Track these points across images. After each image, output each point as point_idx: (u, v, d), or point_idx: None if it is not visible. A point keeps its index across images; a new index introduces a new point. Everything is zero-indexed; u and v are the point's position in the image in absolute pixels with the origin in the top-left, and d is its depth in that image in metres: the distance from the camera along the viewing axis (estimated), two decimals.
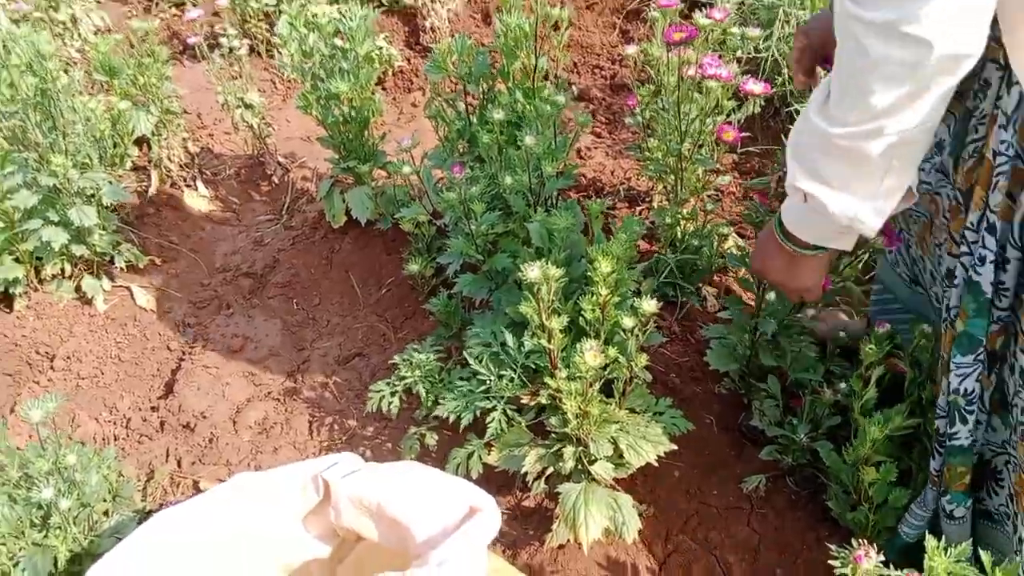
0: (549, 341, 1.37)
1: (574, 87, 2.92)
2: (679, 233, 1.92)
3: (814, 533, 1.52)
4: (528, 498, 1.61)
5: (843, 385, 1.46)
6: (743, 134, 1.85)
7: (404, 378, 1.70)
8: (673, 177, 1.93)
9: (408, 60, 3.15)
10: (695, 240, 1.85)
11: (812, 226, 1.12)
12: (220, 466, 1.87)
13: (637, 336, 1.31)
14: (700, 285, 1.95)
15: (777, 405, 1.55)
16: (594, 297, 1.35)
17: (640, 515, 1.48)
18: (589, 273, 1.33)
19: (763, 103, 2.43)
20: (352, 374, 2.04)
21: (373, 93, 2.18)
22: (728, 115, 1.87)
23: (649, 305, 1.29)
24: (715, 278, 2.00)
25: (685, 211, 1.92)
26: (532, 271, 1.29)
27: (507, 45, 1.87)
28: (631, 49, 1.99)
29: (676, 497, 1.58)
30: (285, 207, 2.57)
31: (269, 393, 2.04)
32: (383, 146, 2.33)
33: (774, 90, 2.41)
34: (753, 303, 1.55)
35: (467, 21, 3.24)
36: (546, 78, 2.99)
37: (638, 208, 2.29)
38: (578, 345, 1.30)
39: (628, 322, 1.31)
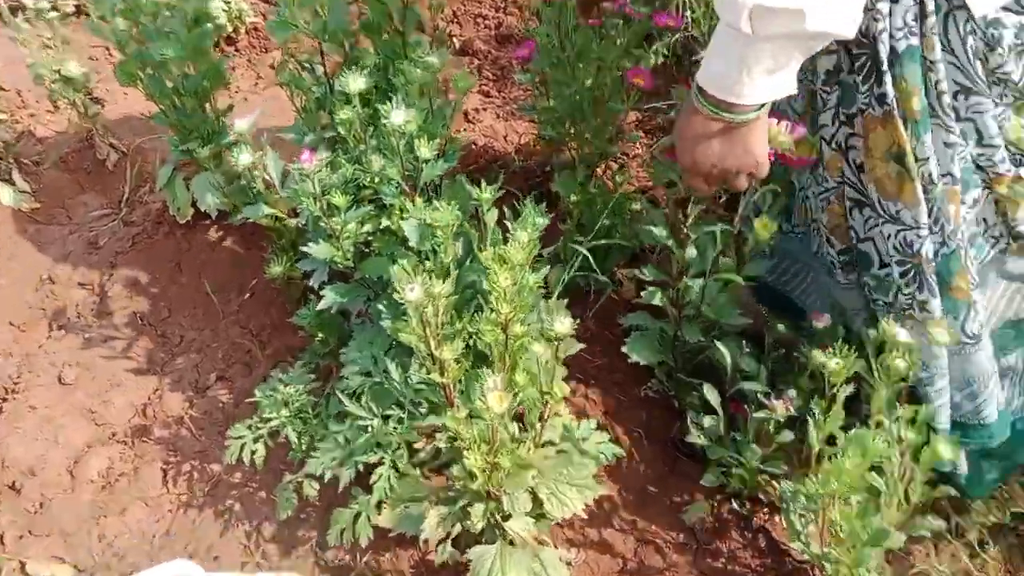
0: (442, 373, 1.08)
1: (455, 40, 2.58)
2: (587, 212, 1.64)
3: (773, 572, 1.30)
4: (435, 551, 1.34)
5: (792, 392, 1.23)
6: None
7: (269, 419, 1.37)
8: (575, 140, 1.64)
9: (264, 15, 2.74)
10: (606, 219, 1.58)
11: (758, 63, 0.93)
12: (54, 537, 1.52)
13: (551, 365, 1.03)
14: (615, 269, 1.69)
15: (716, 420, 1.31)
16: (493, 315, 1.06)
17: (570, 564, 1.22)
18: (485, 285, 1.04)
19: (665, 52, 2.17)
20: (213, 404, 1.70)
21: (216, 57, 1.80)
22: (638, 62, 1.59)
23: (563, 325, 1.01)
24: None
25: (592, 185, 1.65)
26: (412, 291, 0.99)
27: None
28: None
29: (611, 536, 1.33)
30: (124, 199, 2.16)
31: (113, 435, 1.68)
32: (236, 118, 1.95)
33: (684, 28, 2.14)
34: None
35: None
36: (422, 30, 2.66)
37: (536, 179, 1.99)
38: (478, 383, 1.01)
39: (538, 348, 1.03)
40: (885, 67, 1.05)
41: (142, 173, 2.21)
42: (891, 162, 1.10)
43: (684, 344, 1.38)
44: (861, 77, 1.09)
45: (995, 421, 1.25)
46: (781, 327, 1.36)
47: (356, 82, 1.20)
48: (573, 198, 1.56)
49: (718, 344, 1.27)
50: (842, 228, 1.23)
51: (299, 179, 1.19)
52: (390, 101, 1.16)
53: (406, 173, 1.22)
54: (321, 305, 1.33)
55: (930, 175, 1.09)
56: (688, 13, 2.07)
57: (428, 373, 1.07)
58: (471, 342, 1.23)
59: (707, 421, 1.32)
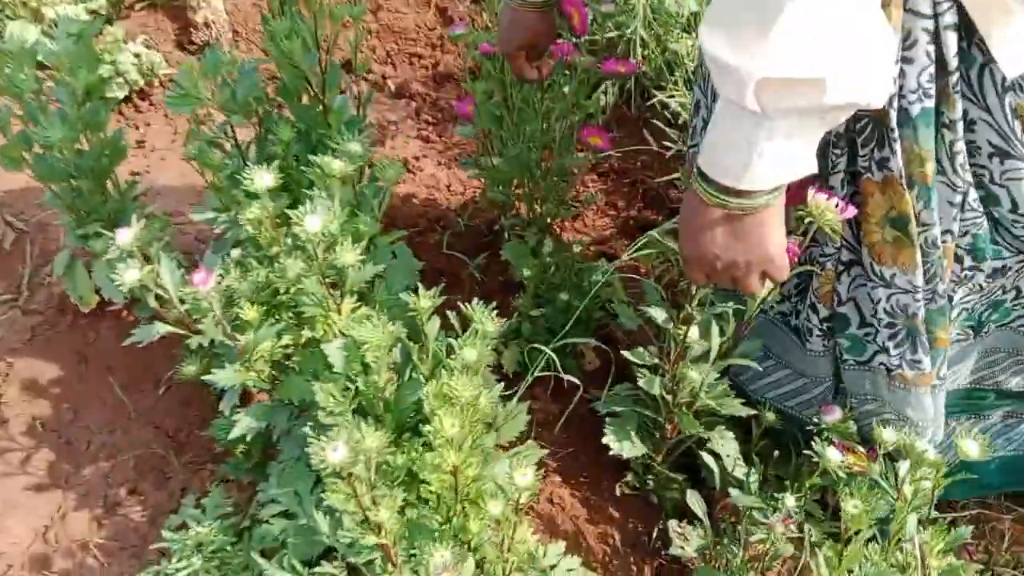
0: (379, 533, 0.89)
1: (389, 82, 2.40)
2: (543, 281, 1.47)
3: None
4: None
5: (790, 502, 1.06)
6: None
7: (179, 570, 1.16)
8: (525, 201, 1.47)
9: (179, 65, 2.52)
10: (563, 293, 1.40)
11: (770, 143, 0.77)
12: None
13: (512, 522, 0.85)
14: (579, 348, 1.51)
15: (703, 530, 1.14)
16: (438, 458, 0.88)
17: None
18: (427, 428, 0.86)
19: (616, 92, 2.01)
20: (124, 525, 1.48)
21: (115, 128, 1.59)
22: (589, 115, 1.43)
23: (524, 480, 0.83)
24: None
25: (546, 250, 1.47)
26: (335, 452, 0.80)
27: (281, 55, 1.34)
28: (459, 30, 1.51)
29: None
30: (24, 282, 1.93)
31: (9, 567, 1.45)
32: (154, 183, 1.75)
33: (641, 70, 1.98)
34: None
35: (250, 11, 2.64)
36: (349, 70, 2.47)
37: (484, 239, 1.81)
38: (426, 550, 0.83)
39: (495, 507, 0.85)
40: (895, 133, 0.93)
41: (45, 252, 1.98)
42: (888, 228, 1.01)
43: (669, 435, 1.21)
44: (861, 139, 0.97)
45: None
46: (771, 416, 1.20)
47: (262, 178, 1.01)
48: (527, 272, 1.38)
49: (703, 455, 1.10)
50: (830, 293, 1.13)
51: (192, 301, 0.99)
52: (303, 201, 0.97)
53: (327, 281, 1.03)
54: (235, 433, 1.13)
55: (933, 240, 0.99)
56: (641, 52, 1.92)
57: (362, 535, 0.88)
58: (415, 467, 1.04)
59: (693, 535, 1.15)
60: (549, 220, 1.43)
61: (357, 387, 1.05)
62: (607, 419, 1.28)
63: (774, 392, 1.31)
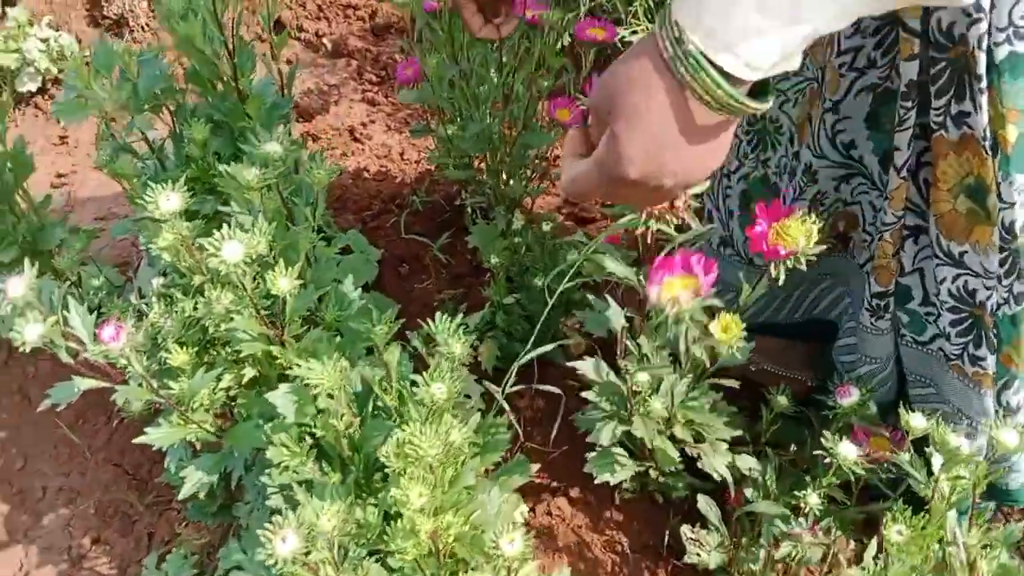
0: None
1: (325, 40, 2.19)
2: (515, 262, 1.32)
3: None
4: None
5: (813, 499, 0.94)
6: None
7: None
8: (489, 178, 1.31)
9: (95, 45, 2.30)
10: (537, 278, 1.26)
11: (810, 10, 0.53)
12: None
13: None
14: (560, 323, 1.37)
15: (719, 535, 1.03)
16: (409, 524, 0.75)
17: None
18: (395, 497, 0.73)
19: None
20: None
21: (15, 138, 1.40)
22: (556, 79, 1.26)
23: (513, 548, 0.70)
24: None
25: (515, 228, 1.32)
26: (284, 544, 0.67)
27: (182, 40, 1.16)
28: None
29: None
30: None
31: None
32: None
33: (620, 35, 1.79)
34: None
35: None
36: (282, 30, 2.25)
37: (445, 216, 1.65)
38: None
39: None
40: (982, 83, 0.74)
41: None
42: (962, 196, 0.83)
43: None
44: (936, 87, 0.78)
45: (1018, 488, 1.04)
46: (783, 400, 1.07)
47: (168, 202, 0.85)
48: (495, 260, 1.23)
49: (707, 459, 0.97)
50: (888, 268, 0.94)
51: (106, 357, 0.84)
52: (220, 224, 0.81)
53: (263, 314, 0.88)
54: (185, 491, 0.99)
55: (1012, 224, 0.81)
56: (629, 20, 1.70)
57: None
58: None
59: (708, 540, 1.04)
60: (515, 198, 1.27)
61: (314, 433, 0.91)
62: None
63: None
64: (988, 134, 0.77)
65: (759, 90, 0.59)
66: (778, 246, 0.74)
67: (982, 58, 0.74)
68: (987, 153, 0.77)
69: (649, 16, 1.69)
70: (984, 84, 0.75)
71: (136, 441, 0.95)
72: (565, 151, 0.70)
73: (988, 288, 0.85)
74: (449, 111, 1.30)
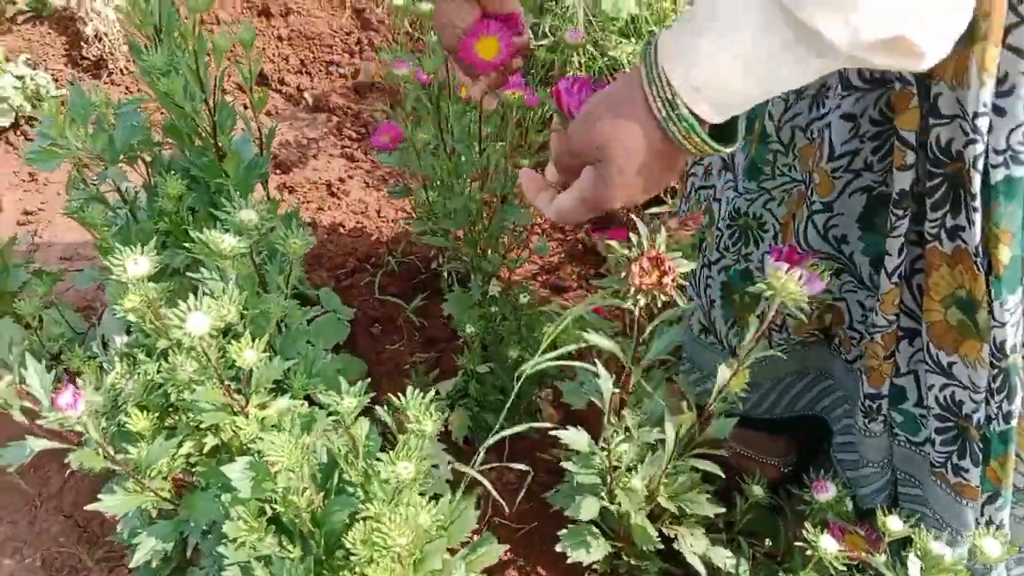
0: None
1: (307, 95, 2.19)
2: (489, 330, 1.30)
3: None
4: None
5: None
6: None
7: None
8: (466, 247, 1.30)
9: (71, 83, 2.27)
10: (512, 349, 1.24)
11: (773, 66, 0.57)
12: None
13: None
14: (534, 396, 1.35)
15: None
16: None
17: None
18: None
19: None
20: None
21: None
22: (537, 152, 1.26)
23: None
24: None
25: (490, 296, 1.30)
26: None
27: (162, 95, 1.14)
28: (402, 69, 1.28)
29: None
30: None
31: None
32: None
33: None
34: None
35: None
36: (264, 82, 2.25)
37: (420, 278, 1.64)
38: None
39: None
40: (976, 201, 0.74)
41: None
42: (953, 308, 0.82)
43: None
44: (932, 201, 0.78)
45: None
46: (759, 490, 1.05)
47: (137, 267, 0.82)
48: (470, 329, 1.21)
49: (681, 551, 0.95)
50: (879, 370, 0.92)
51: (60, 423, 0.80)
52: (190, 282, 0.78)
53: (228, 383, 0.85)
54: (137, 558, 0.95)
55: (1002, 343, 0.79)
56: (579, 60, 1.74)
57: None
58: None
59: None
60: (492, 269, 1.26)
61: (274, 507, 0.88)
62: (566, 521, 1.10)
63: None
64: (981, 251, 0.77)
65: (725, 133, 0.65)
66: (803, 264, 0.75)
67: (977, 178, 0.73)
68: (979, 269, 0.77)
69: None
70: (978, 203, 0.75)
71: (89, 508, 0.90)
72: (547, 175, 0.77)
73: (975, 402, 0.83)
74: (429, 177, 1.29)
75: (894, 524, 0.84)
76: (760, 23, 0.56)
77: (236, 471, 0.83)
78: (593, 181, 0.68)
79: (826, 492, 0.96)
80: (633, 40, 1.62)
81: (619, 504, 0.96)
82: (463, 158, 1.16)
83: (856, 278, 0.93)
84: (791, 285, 0.74)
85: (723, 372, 0.87)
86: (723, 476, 0.95)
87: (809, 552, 0.88)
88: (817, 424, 1.13)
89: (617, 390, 0.91)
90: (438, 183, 1.22)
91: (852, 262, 0.92)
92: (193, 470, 0.96)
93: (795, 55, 0.56)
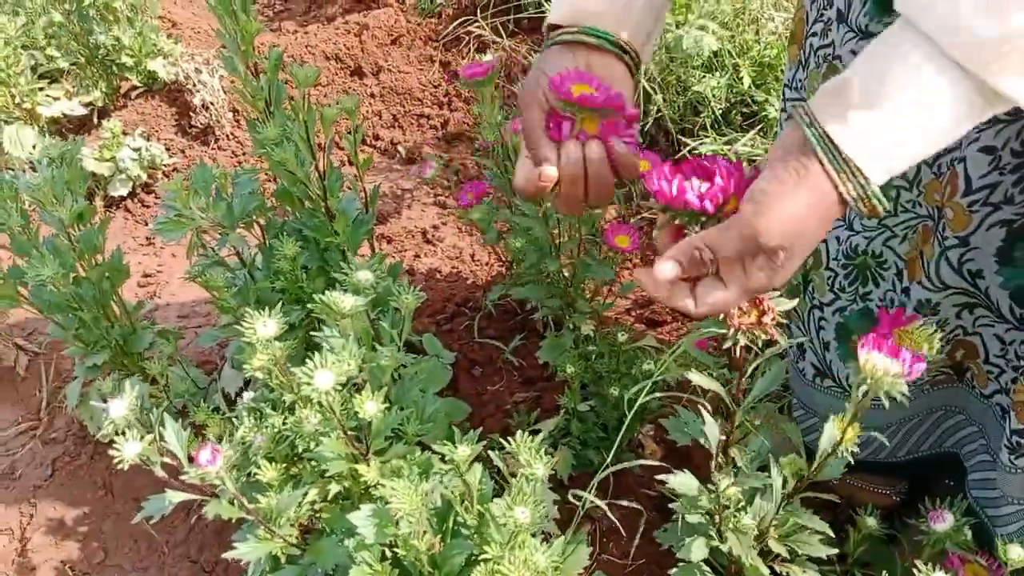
0: None
1: (400, 148, 2.29)
2: (588, 369, 1.33)
3: None
4: None
5: None
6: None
7: None
8: (558, 297, 1.33)
9: (183, 151, 2.44)
10: (612, 387, 1.27)
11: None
12: None
13: None
14: (636, 434, 1.37)
15: None
16: None
17: None
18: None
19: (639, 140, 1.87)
20: None
21: (112, 250, 1.49)
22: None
23: None
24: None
25: (585, 336, 1.34)
26: None
27: (275, 163, 1.22)
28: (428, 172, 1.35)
29: None
30: (42, 408, 1.84)
31: None
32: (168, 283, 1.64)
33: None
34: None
35: None
36: (363, 142, 2.36)
37: (517, 319, 1.68)
38: None
39: None
40: None
41: (60, 372, 1.89)
42: None
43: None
44: None
45: None
46: (872, 522, 1.04)
47: (266, 328, 0.89)
48: (569, 369, 1.25)
49: None
50: None
51: (201, 478, 0.87)
52: (312, 354, 0.84)
53: (349, 433, 0.91)
54: None
55: None
56: (661, 96, 1.76)
57: None
58: None
59: None
60: (584, 311, 1.30)
61: (395, 551, 0.92)
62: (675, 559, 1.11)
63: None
64: None
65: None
66: (902, 348, 0.72)
67: None
68: None
69: (716, 127, 1.73)
70: None
71: (226, 556, 0.97)
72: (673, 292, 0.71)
73: None
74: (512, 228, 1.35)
75: (1015, 553, 0.83)
76: (952, 98, 0.58)
77: (360, 517, 0.88)
78: (766, 272, 0.67)
79: (943, 522, 0.95)
80: (717, 74, 1.64)
81: (730, 546, 0.96)
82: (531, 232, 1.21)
83: (994, 312, 0.91)
84: (886, 378, 0.70)
85: (829, 429, 0.86)
86: (837, 501, 0.95)
87: None
88: (939, 459, 1.10)
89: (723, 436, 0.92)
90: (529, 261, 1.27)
91: (988, 297, 0.90)
92: (318, 516, 1.02)
93: (977, 117, 0.58)
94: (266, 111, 1.25)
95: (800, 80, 1.03)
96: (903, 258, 0.98)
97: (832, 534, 0.94)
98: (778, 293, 0.89)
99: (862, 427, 0.80)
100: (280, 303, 1.12)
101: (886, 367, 0.69)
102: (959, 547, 0.94)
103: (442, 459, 0.96)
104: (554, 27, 0.84)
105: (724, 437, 0.91)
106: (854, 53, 0.83)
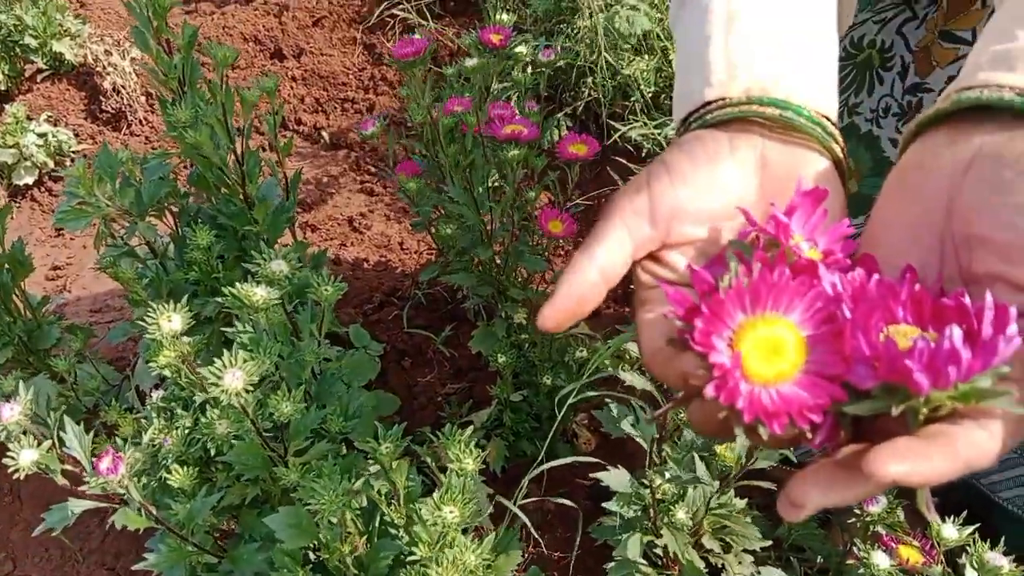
0: None
1: (324, 133, 2.21)
2: (521, 357, 1.30)
3: None
4: None
5: None
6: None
7: None
8: (490, 283, 1.30)
9: (92, 137, 2.32)
10: (545, 376, 1.24)
11: None
12: None
13: None
14: (570, 424, 1.35)
15: None
16: None
17: None
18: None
19: (568, 124, 1.84)
20: None
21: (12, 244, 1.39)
22: (541, 182, 1.26)
23: None
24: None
25: (519, 328, 1.30)
26: None
27: (188, 147, 1.15)
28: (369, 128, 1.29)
29: None
30: None
31: None
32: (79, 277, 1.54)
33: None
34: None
35: None
36: (284, 127, 2.28)
37: (447, 308, 1.64)
38: None
39: None
40: None
41: None
42: None
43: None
44: None
45: None
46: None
47: (171, 323, 0.83)
48: (502, 359, 1.21)
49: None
50: None
51: (102, 487, 0.80)
52: (223, 348, 0.79)
53: (266, 434, 0.85)
54: None
55: None
56: (591, 80, 1.73)
57: None
58: None
59: None
60: (517, 299, 1.26)
61: (318, 554, 0.87)
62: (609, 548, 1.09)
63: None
64: None
65: None
66: None
67: None
68: None
69: (646, 112, 1.70)
70: None
71: (135, 568, 0.91)
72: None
73: None
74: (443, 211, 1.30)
75: (948, 532, 0.83)
76: None
77: (278, 521, 0.83)
78: None
79: (877, 504, 0.94)
80: (647, 56, 1.62)
81: (665, 542, 0.95)
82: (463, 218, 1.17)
83: None
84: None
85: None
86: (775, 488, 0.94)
87: (861, 570, 0.86)
88: None
89: (655, 433, 0.90)
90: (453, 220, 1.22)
91: None
92: (235, 523, 0.96)
93: None
94: (179, 91, 1.17)
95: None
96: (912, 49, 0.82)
97: (760, 536, 0.93)
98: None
99: None
100: (193, 295, 1.06)
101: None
102: (892, 528, 0.94)
103: (365, 457, 0.92)
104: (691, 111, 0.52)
105: (657, 436, 0.89)
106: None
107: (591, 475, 0.97)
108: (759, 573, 0.95)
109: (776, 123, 0.48)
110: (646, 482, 0.89)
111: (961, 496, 1.01)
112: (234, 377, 0.77)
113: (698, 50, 0.52)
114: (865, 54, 0.82)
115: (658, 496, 0.90)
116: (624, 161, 1.70)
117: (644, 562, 1.00)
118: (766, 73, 0.50)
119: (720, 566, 0.96)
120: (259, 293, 0.84)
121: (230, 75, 2.34)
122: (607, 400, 1.00)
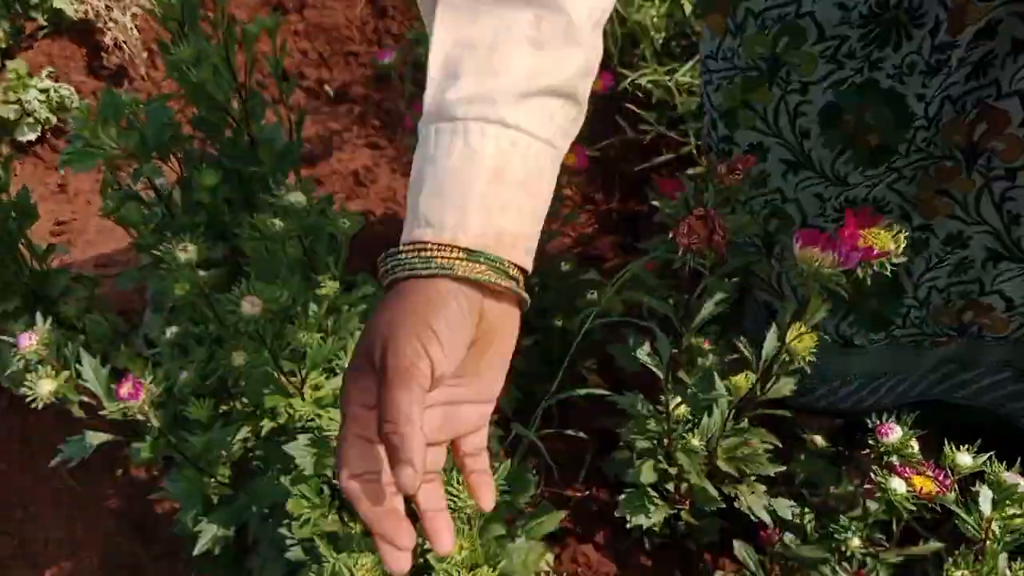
0: None
1: (328, 87, 2.19)
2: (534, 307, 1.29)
3: None
4: None
5: (855, 542, 0.91)
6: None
7: None
8: None
9: (94, 93, 2.30)
10: (555, 319, 1.24)
11: None
12: None
13: None
14: (580, 369, 1.34)
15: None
16: None
17: None
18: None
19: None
20: None
21: (19, 189, 1.39)
22: None
23: None
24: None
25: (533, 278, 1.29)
26: None
27: (191, 87, 1.14)
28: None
29: None
30: None
31: None
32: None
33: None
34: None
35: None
36: (285, 78, 2.25)
37: None
38: None
39: None
40: None
41: None
42: None
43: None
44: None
45: None
46: (820, 440, 1.04)
47: (185, 252, 0.82)
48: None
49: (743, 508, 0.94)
50: None
51: (124, 414, 0.81)
52: (238, 280, 0.79)
53: (280, 367, 0.85)
54: (200, 546, 0.96)
55: None
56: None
57: None
58: None
59: None
60: None
61: (335, 484, 0.88)
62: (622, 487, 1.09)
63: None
64: None
65: None
66: (870, 247, 0.70)
67: None
68: None
69: (657, 58, 1.69)
70: None
71: (153, 496, 0.91)
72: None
73: None
74: None
75: (963, 459, 0.83)
76: None
77: (298, 448, 0.83)
78: None
79: (892, 434, 0.94)
80: (656, 1, 1.60)
81: (679, 466, 0.95)
82: None
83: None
84: (823, 268, 0.71)
85: (771, 338, 0.85)
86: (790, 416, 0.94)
87: (878, 495, 0.86)
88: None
89: (673, 350, 0.90)
90: None
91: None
92: (251, 455, 0.96)
93: None
94: (180, 32, 1.16)
95: (731, 49, 0.93)
96: (911, 201, 0.91)
97: (780, 444, 0.94)
98: (730, 210, 0.87)
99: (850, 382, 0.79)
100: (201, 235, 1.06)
101: (822, 257, 0.70)
102: (906, 459, 0.94)
103: None
104: (428, 245, 0.57)
105: (674, 356, 0.89)
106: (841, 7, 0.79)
107: (606, 397, 0.97)
108: (771, 505, 0.96)
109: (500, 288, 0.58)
110: (660, 408, 0.90)
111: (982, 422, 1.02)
112: (252, 304, 0.77)
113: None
114: (891, 14, 0.82)
115: (672, 425, 0.91)
116: (634, 108, 1.69)
117: (655, 494, 1.00)
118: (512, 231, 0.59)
119: (733, 496, 0.96)
120: (279, 223, 0.83)
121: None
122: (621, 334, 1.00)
